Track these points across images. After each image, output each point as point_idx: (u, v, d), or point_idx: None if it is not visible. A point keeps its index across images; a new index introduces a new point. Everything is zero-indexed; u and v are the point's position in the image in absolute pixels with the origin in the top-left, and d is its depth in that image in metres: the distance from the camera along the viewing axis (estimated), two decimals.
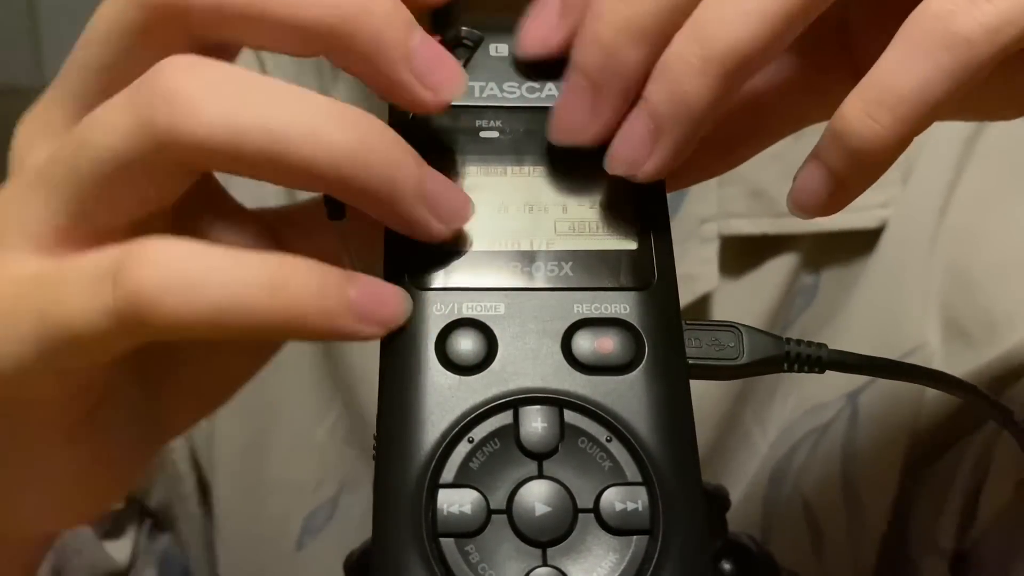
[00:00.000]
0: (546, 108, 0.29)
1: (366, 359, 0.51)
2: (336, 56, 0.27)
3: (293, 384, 0.53)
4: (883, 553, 0.52)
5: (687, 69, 0.26)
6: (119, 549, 0.53)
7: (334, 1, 0.26)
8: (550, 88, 0.29)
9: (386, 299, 0.26)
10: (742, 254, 0.50)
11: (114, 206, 0.26)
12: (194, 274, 0.25)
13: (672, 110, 0.26)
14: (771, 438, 0.53)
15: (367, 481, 0.54)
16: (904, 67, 0.25)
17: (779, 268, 0.50)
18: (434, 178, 0.27)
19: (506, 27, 0.29)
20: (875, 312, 0.50)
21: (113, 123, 0.25)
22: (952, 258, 0.49)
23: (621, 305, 0.27)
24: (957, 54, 0.25)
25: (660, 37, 0.27)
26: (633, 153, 0.27)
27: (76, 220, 0.27)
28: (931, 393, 0.49)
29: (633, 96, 0.27)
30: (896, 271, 0.50)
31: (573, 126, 0.28)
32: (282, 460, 0.54)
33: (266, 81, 0.25)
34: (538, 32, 0.29)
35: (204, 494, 0.55)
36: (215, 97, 0.25)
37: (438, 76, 0.27)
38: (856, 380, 0.50)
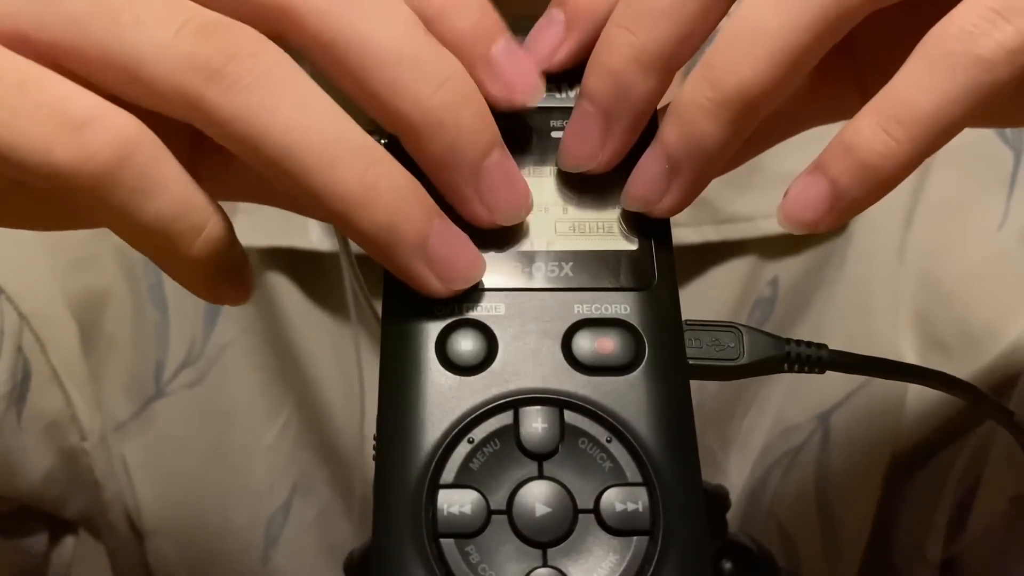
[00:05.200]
0: (546, 108, 0.29)
1: (317, 353, 0.51)
2: (403, 138, 0.26)
3: (243, 387, 0.52)
4: (864, 570, 0.52)
5: (699, 112, 0.26)
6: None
7: (431, 94, 0.25)
8: (551, 89, 0.29)
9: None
10: (686, 263, 0.49)
11: (96, 75, 0.25)
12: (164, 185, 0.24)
13: (686, 151, 0.27)
14: (732, 457, 0.52)
15: (321, 482, 0.53)
16: (923, 86, 0.25)
17: (726, 275, 0.50)
18: (442, 234, 0.26)
19: (511, 28, 0.29)
20: (843, 325, 0.50)
21: (161, 46, 0.24)
22: (923, 268, 0.49)
23: (621, 305, 0.27)
24: (977, 75, 0.25)
25: (671, 66, 0.27)
26: (649, 192, 0.27)
27: (48, 47, 0.25)
28: (911, 404, 0.48)
29: (644, 125, 0.28)
30: (863, 283, 0.50)
31: (583, 155, 0.28)
32: (239, 467, 0.53)
33: (309, 92, 0.25)
34: (544, 48, 0.29)
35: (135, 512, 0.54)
36: (258, 90, 0.24)
37: (500, 198, 0.27)
38: (826, 401, 0.50)
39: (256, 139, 0.24)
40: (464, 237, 0.26)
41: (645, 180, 0.27)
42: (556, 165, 0.29)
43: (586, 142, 0.28)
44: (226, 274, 0.27)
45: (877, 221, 0.49)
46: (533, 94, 0.28)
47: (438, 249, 0.26)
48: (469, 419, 0.26)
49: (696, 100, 0.26)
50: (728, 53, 0.26)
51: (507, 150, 0.27)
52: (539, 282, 0.28)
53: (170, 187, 0.25)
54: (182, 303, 0.51)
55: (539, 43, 0.29)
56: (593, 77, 0.27)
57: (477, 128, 0.26)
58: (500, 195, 0.27)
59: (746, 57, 0.26)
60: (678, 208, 0.28)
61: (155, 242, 0.25)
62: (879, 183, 0.26)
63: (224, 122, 0.24)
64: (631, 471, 0.25)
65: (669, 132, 0.27)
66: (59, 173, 0.24)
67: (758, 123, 0.27)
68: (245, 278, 0.28)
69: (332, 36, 0.25)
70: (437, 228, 0.26)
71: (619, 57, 0.27)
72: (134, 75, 0.24)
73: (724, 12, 0.27)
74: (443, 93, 0.25)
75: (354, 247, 0.30)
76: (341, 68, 0.25)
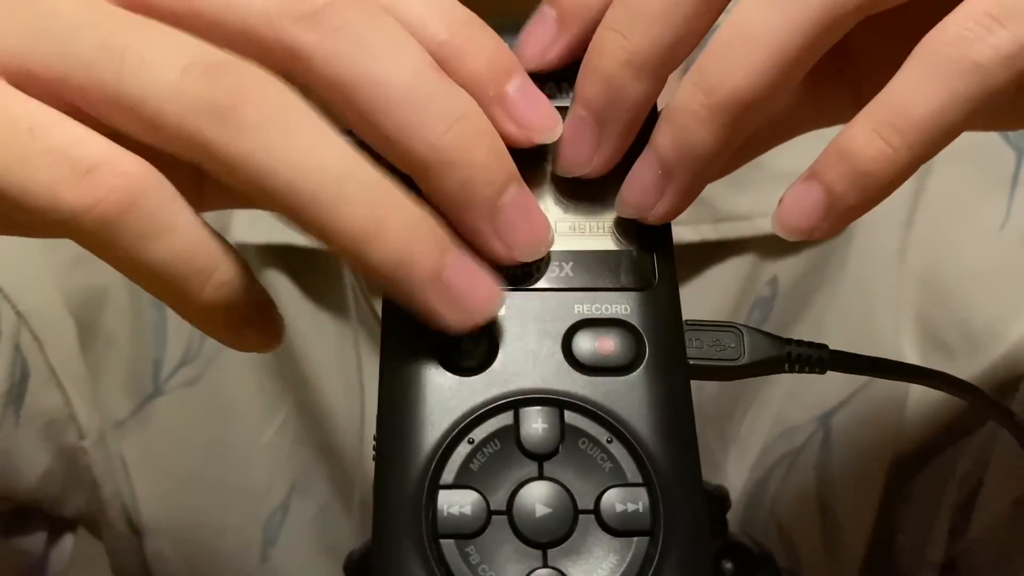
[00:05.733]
0: None
1: (315, 350, 0.51)
2: (417, 179, 0.26)
3: (241, 386, 0.52)
4: (866, 571, 0.52)
5: (693, 118, 0.26)
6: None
7: (443, 132, 0.25)
8: (551, 88, 0.29)
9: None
10: (684, 262, 0.49)
11: (102, 113, 0.25)
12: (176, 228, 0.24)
13: (679, 157, 0.27)
14: (732, 458, 0.52)
15: (319, 480, 0.53)
16: (918, 91, 0.25)
17: (725, 274, 0.50)
18: (457, 268, 0.25)
19: (511, 28, 0.29)
20: (844, 325, 0.50)
21: (166, 87, 0.24)
22: (924, 268, 0.49)
23: (622, 305, 0.27)
24: (972, 81, 0.25)
25: (664, 70, 0.27)
26: (643, 198, 0.27)
27: (55, 86, 0.25)
28: (913, 405, 0.48)
29: (638, 129, 0.27)
30: (864, 283, 0.49)
31: (578, 160, 0.28)
32: (237, 466, 0.53)
33: (317, 130, 0.24)
34: (535, 47, 0.29)
35: (133, 511, 0.54)
36: (264, 131, 0.24)
37: (519, 235, 0.26)
38: (827, 402, 0.50)
39: (262, 180, 0.24)
40: (481, 270, 0.26)
41: (639, 187, 0.27)
42: (569, 178, 0.29)
43: (580, 147, 0.28)
44: (247, 319, 0.26)
45: (878, 221, 0.49)
46: (549, 132, 0.27)
47: (453, 283, 0.25)
48: (469, 419, 0.26)
49: (689, 106, 0.26)
50: (721, 59, 0.26)
51: (525, 185, 0.26)
52: (539, 282, 0.27)
53: (177, 231, 0.24)
54: None
55: (530, 41, 0.29)
56: (586, 82, 0.27)
57: (491, 165, 0.25)
58: (519, 232, 0.26)
59: (739, 63, 0.25)
60: (673, 214, 0.28)
61: (162, 285, 0.25)
62: (875, 190, 0.25)
63: (230, 164, 0.24)
64: (631, 472, 0.25)
65: (662, 138, 0.27)
66: (67, 218, 0.24)
67: (751, 129, 0.26)
68: (270, 322, 0.27)
69: (342, 76, 0.25)
70: (451, 261, 0.25)
71: (611, 61, 0.27)
72: (140, 116, 0.24)
73: (717, 16, 0.27)
74: (455, 131, 0.25)
75: None
76: (351, 108, 0.25)
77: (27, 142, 0.24)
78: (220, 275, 0.25)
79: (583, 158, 0.28)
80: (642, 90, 0.27)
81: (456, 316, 0.25)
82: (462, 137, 0.25)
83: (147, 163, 0.24)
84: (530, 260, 0.27)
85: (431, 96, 0.25)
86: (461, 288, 0.25)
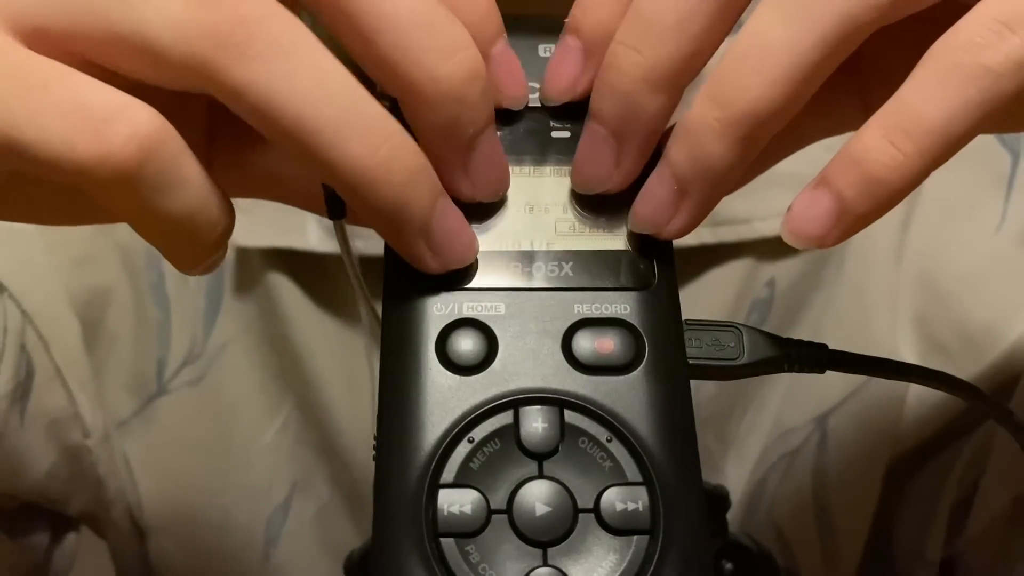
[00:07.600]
0: (546, 108, 0.29)
1: (317, 352, 0.51)
2: (406, 104, 0.26)
3: (243, 386, 0.52)
4: (863, 570, 0.52)
5: (708, 132, 0.26)
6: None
7: (442, 63, 0.25)
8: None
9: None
10: (682, 266, 0.49)
11: (113, 58, 0.25)
12: (184, 177, 0.25)
13: (694, 172, 0.26)
14: (730, 460, 0.52)
15: (320, 480, 0.54)
16: (930, 98, 0.25)
17: (723, 277, 0.50)
18: (444, 215, 0.26)
19: (525, 25, 0.29)
20: (841, 327, 0.50)
21: (169, 17, 0.24)
22: (921, 270, 0.49)
23: (621, 305, 0.27)
24: (984, 87, 0.25)
25: (679, 84, 0.26)
26: (657, 214, 0.27)
27: (66, 39, 0.25)
28: (911, 406, 0.48)
29: (655, 143, 0.27)
30: (861, 285, 0.49)
31: (596, 177, 0.28)
32: (239, 465, 0.53)
33: (323, 60, 0.24)
34: (564, 80, 0.28)
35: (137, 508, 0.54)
36: (271, 57, 0.24)
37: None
38: (824, 403, 0.50)
39: (269, 109, 0.24)
40: (462, 218, 0.27)
41: (653, 202, 0.27)
42: (569, 179, 0.28)
43: (599, 164, 0.27)
44: (221, 259, 0.27)
45: (873, 225, 0.49)
46: (519, 101, 0.28)
47: (439, 229, 0.26)
48: (469, 419, 0.26)
49: (705, 120, 0.26)
50: (736, 72, 0.25)
51: (495, 129, 0.27)
52: (539, 282, 0.28)
53: (191, 183, 0.25)
54: (183, 301, 0.51)
55: (560, 75, 0.28)
56: (602, 98, 0.27)
57: (480, 105, 0.26)
58: (487, 172, 0.27)
59: (755, 76, 0.25)
60: (687, 229, 0.28)
61: (175, 237, 0.25)
62: (886, 196, 0.25)
63: (237, 91, 0.24)
64: (631, 471, 0.25)
65: (677, 153, 0.26)
66: (83, 169, 0.24)
67: (766, 142, 0.26)
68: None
69: None
70: (440, 209, 0.26)
71: (627, 77, 0.26)
72: (147, 51, 0.24)
73: (732, 26, 0.27)
74: (455, 64, 0.25)
75: (355, 249, 0.30)
76: (352, 28, 0.25)
77: (41, 96, 0.24)
78: (226, 228, 0.26)
79: (602, 175, 0.28)
80: (659, 104, 0.26)
81: (437, 261, 0.27)
82: (461, 72, 0.25)
83: (161, 115, 0.24)
84: (487, 200, 0.28)
85: (434, 23, 0.25)
86: (445, 236, 0.26)
